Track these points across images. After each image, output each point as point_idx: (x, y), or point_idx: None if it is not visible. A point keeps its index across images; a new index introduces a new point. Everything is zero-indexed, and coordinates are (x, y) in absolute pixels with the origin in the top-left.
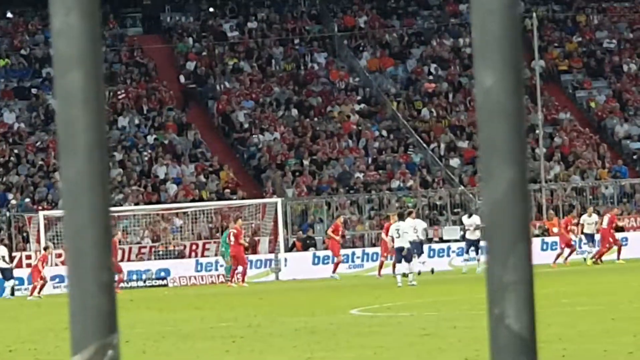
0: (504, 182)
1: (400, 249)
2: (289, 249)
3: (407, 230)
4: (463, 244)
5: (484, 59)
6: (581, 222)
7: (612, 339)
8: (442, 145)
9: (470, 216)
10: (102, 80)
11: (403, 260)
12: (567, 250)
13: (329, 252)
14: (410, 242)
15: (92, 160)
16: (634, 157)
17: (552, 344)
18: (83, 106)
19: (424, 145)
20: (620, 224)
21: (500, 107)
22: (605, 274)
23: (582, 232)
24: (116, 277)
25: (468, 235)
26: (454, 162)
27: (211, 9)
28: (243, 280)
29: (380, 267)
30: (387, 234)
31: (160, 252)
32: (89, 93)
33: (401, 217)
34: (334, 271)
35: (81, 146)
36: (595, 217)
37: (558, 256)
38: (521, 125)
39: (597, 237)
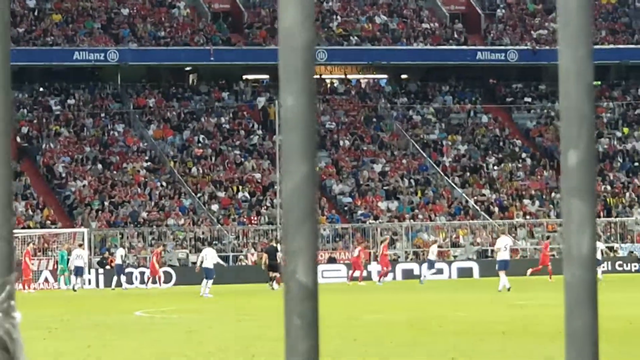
0: (298, 175)
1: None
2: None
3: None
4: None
5: (287, 84)
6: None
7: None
8: (206, 195)
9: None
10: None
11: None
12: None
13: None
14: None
15: None
16: (345, 208)
17: None
18: None
19: (193, 194)
20: (335, 256)
21: (297, 121)
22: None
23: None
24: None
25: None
26: (214, 207)
27: (41, 89)
28: (24, 287)
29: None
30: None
31: None
32: None
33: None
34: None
35: None
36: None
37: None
38: (313, 134)
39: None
